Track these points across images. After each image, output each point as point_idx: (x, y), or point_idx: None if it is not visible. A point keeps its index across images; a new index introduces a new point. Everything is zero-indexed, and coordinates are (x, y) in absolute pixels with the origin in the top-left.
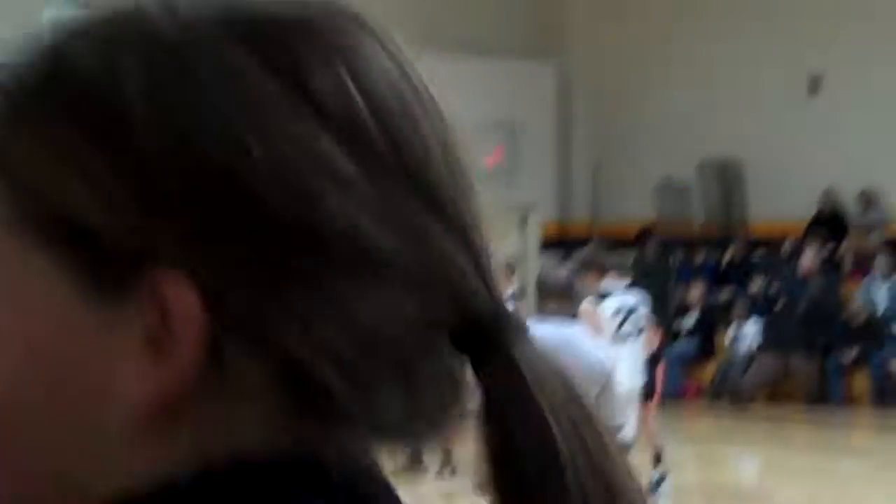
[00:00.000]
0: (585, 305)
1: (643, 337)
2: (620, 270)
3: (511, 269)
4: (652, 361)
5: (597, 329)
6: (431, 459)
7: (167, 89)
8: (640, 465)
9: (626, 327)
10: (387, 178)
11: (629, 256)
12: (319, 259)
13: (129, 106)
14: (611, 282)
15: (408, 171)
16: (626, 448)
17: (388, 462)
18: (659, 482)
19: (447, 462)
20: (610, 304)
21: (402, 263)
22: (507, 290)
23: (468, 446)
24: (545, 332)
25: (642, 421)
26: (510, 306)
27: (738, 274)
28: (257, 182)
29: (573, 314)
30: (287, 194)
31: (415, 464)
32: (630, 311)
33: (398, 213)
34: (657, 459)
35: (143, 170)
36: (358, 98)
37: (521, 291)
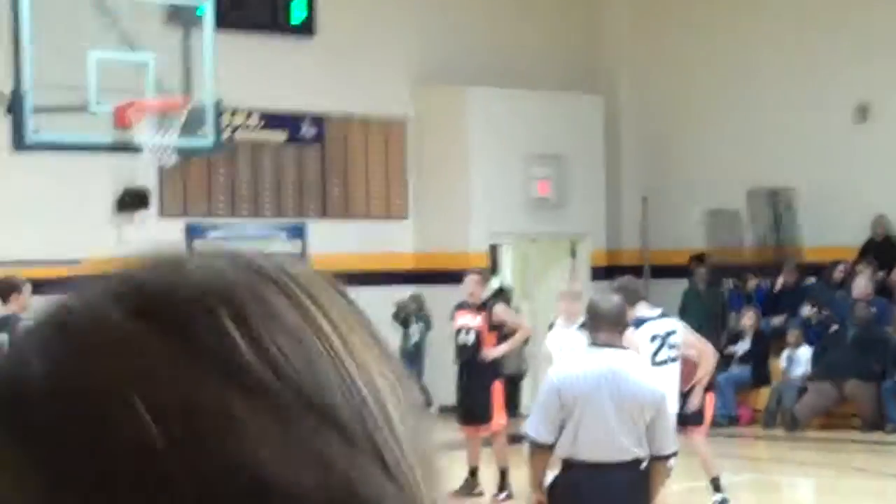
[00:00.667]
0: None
1: (677, 364)
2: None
3: (580, 296)
4: (705, 388)
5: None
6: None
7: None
8: (699, 490)
9: (662, 354)
10: (287, 414)
11: (680, 285)
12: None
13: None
14: (645, 309)
15: (313, 407)
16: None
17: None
18: None
19: (503, 487)
20: (645, 331)
21: (304, 493)
22: (577, 319)
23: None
24: (599, 361)
25: (695, 447)
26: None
27: (790, 300)
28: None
29: (624, 343)
30: (180, 441)
31: (471, 487)
32: (665, 337)
33: (299, 444)
34: (716, 486)
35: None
36: (252, 348)
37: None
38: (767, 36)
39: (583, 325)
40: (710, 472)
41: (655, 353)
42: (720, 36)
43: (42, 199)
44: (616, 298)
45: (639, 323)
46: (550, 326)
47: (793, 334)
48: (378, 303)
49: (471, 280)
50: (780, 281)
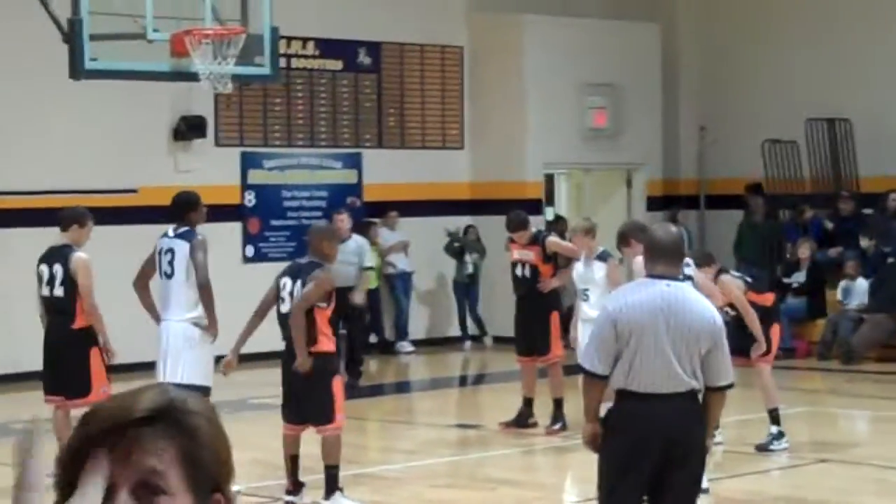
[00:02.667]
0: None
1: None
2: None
3: (592, 231)
4: (767, 321)
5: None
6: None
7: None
8: (753, 422)
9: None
10: None
11: (736, 216)
12: None
13: None
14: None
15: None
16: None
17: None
18: (775, 439)
19: (557, 417)
20: None
21: None
22: (592, 251)
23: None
24: (655, 291)
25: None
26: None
27: (847, 231)
28: None
29: (683, 274)
30: None
31: (525, 417)
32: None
33: None
34: (773, 418)
35: None
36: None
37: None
38: None
39: (600, 256)
40: (769, 403)
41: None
42: None
43: (99, 128)
44: (674, 228)
45: None
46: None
47: (850, 266)
48: (433, 232)
49: (518, 236)
50: (837, 211)
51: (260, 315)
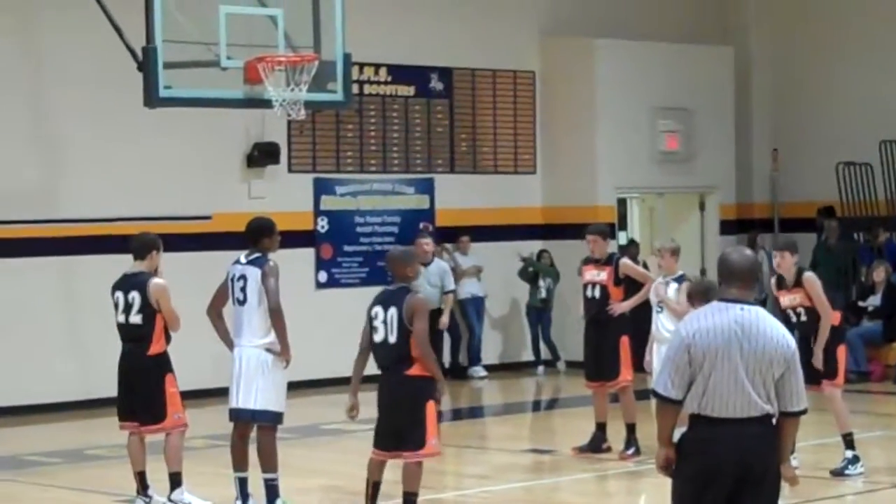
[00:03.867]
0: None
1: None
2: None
3: (675, 252)
4: (833, 341)
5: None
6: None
7: None
8: (829, 446)
9: None
10: None
11: (810, 238)
12: None
13: None
14: None
15: None
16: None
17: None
18: (850, 463)
19: (630, 442)
20: None
21: None
22: (674, 272)
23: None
24: (729, 315)
25: (830, 401)
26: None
27: None
28: None
29: (756, 298)
30: None
31: (598, 443)
32: None
33: None
34: (848, 443)
35: None
36: None
37: (701, 273)
38: None
39: (678, 279)
40: (843, 427)
41: None
42: None
43: (173, 156)
44: (749, 252)
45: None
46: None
47: None
48: (506, 256)
49: (590, 238)
50: None
51: (364, 353)
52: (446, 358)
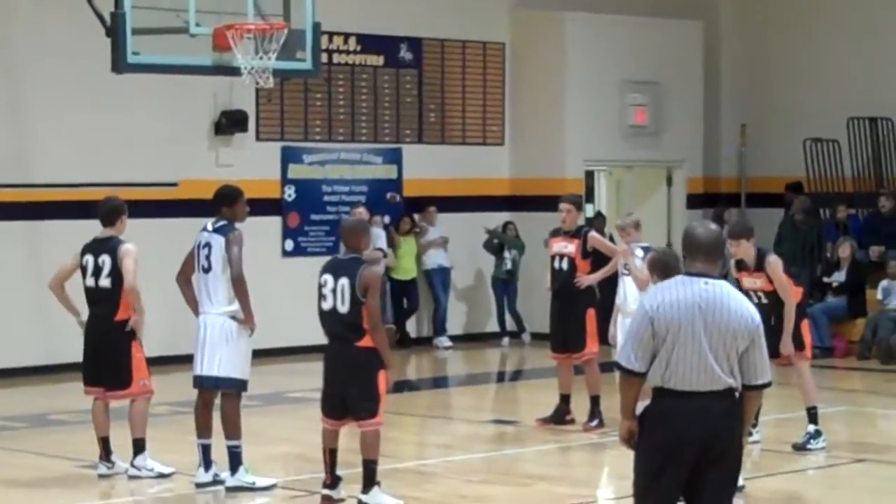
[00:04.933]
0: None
1: None
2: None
3: (637, 224)
4: (797, 317)
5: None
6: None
7: None
8: (791, 421)
9: None
10: None
11: (777, 214)
12: None
13: None
14: None
15: None
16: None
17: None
18: (812, 438)
19: (594, 414)
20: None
21: None
22: (637, 244)
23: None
24: (693, 289)
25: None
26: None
27: (889, 230)
28: None
29: (721, 272)
30: None
31: (562, 414)
32: None
33: None
34: (811, 416)
35: None
36: None
37: (668, 245)
38: None
39: (645, 248)
40: (808, 401)
41: None
42: None
43: (140, 122)
44: (714, 226)
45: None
46: None
47: (892, 265)
48: (472, 228)
49: (564, 207)
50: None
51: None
52: (411, 327)
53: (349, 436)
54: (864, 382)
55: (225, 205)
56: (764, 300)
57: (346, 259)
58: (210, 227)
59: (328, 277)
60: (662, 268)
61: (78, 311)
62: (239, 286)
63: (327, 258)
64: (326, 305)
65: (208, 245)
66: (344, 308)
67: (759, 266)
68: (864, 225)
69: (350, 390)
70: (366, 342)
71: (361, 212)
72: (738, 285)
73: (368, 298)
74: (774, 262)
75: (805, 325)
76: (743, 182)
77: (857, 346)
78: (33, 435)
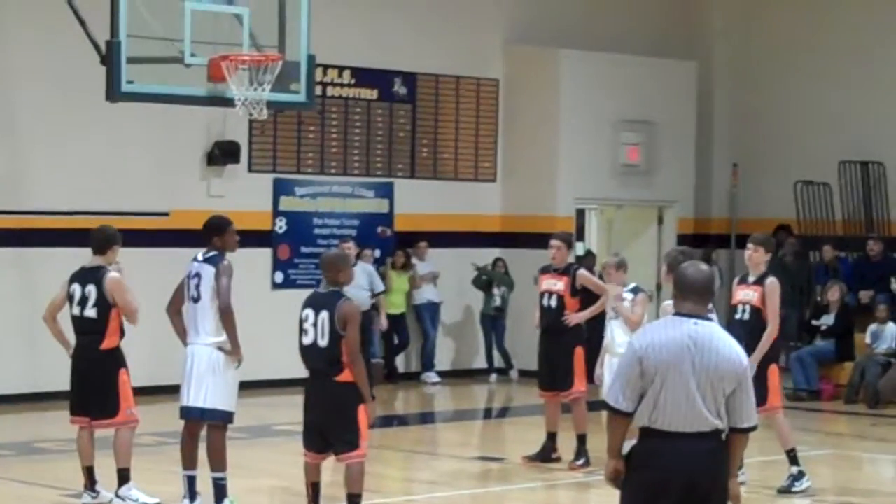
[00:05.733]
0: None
1: None
2: None
3: (623, 265)
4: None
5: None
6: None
7: None
8: (775, 463)
9: None
10: None
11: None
12: None
13: None
14: None
15: None
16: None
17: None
18: (796, 479)
19: (581, 453)
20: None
21: None
22: (624, 284)
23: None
24: (682, 330)
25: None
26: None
27: (878, 274)
28: None
29: (711, 312)
30: None
31: (548, 452)
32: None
33: None
34: (792, 459)
35: None
36: None
37: (657, 288)
38: (864, 10)
39: (633, 290)
40: (785, 444)
41: None
42: (817, 5)
43: (133, 151)
44: (705, 267)
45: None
46: None
47: (880, 309)
48: (463, 263)
49: (554, 244)
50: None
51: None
52: (400, 362)
53: (334, 469)
54: (850, 426)
55: (215, 235)
56: (746, 316)
57: (326, 293)
58: (200, 258)
59: (309, 312)
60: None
61: (69, 345)
62: (227, 317)
63: (309, 294)
64: (307, 340)
65: (198, 275)
66: (324, 342)
67: (760, 281)
68: (853, 268)
69: (330, 425)
70: (345, 377)
71: (350, 247)
72: (730, 297)
73: (348, 331)
74: (773, 284)
75: (773, 372)
76: (733, 223)
77: (844, 390)
78: (19, 463)
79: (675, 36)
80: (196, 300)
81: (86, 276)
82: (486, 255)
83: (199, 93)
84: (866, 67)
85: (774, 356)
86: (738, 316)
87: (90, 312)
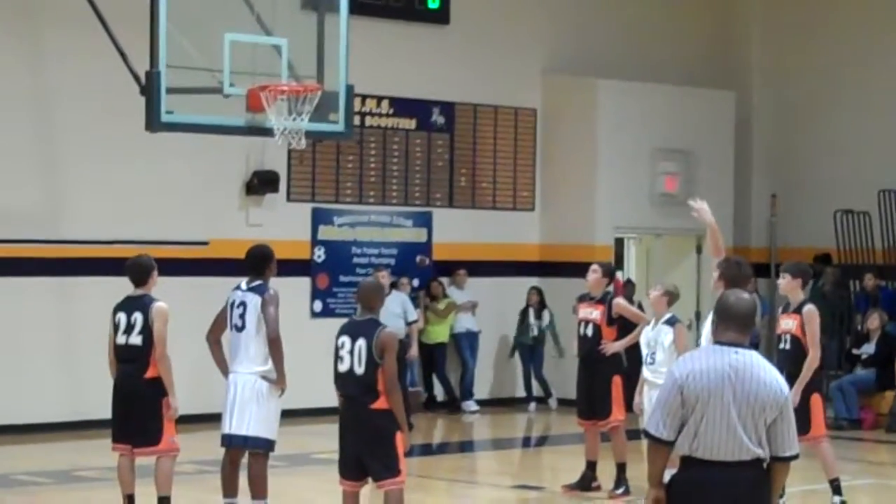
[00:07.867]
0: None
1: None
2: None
3: (668, 294)
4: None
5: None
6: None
7: None
8: (817, 493)
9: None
10: None
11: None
12: None
13: None
14: None
15: None
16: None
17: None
18: None
19: (620, 482)
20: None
21: None
22: (666, 314)
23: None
24: (723, 359)
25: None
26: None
27: None
28: None
29: (752, 342)
30: None
31: (588, 481)
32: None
33: None
34: (835, 489)
35: None
36: None
37: (696, 316)
38: None
39: (669, 321)
40: (829, 473)
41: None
42: (856, 35)
43: (172, 181)
44: (746, 296)
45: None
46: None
47: None
48: (502, 293)
49: (592, 273)
50: None
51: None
52: (438, 390)
53: (374, 497)
54: (891, 455)
55: (266, 264)
56: (787, 346)
57: (363, 321)
58: (244, 286)
59: (346, 339)
60: (732, 277)
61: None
62: (275, 346)
63: (345, 322)
64: (343, 367)
65: (243, 304)
66: (360, 369)
67: (798, 310)
68: (893, 297)
69: (367, 452)
70: (380, 404)
71: (384, 275)
72: (775, 327)
73: (385, 359)
74: (810, 311)
75: (816, 400)
76: (773, 252)
77: (885, 419)
78: (58, 491)
79: (712, 65)
80: (240, 329)
81: (132, 304)
82: (524, 285)
83: (238, 123)
84: None
85: (817, 385)
86: (780, 346)
87: (135, 340)
